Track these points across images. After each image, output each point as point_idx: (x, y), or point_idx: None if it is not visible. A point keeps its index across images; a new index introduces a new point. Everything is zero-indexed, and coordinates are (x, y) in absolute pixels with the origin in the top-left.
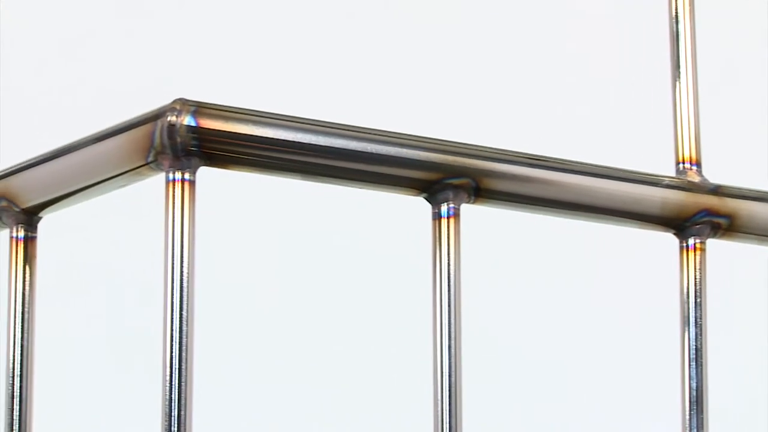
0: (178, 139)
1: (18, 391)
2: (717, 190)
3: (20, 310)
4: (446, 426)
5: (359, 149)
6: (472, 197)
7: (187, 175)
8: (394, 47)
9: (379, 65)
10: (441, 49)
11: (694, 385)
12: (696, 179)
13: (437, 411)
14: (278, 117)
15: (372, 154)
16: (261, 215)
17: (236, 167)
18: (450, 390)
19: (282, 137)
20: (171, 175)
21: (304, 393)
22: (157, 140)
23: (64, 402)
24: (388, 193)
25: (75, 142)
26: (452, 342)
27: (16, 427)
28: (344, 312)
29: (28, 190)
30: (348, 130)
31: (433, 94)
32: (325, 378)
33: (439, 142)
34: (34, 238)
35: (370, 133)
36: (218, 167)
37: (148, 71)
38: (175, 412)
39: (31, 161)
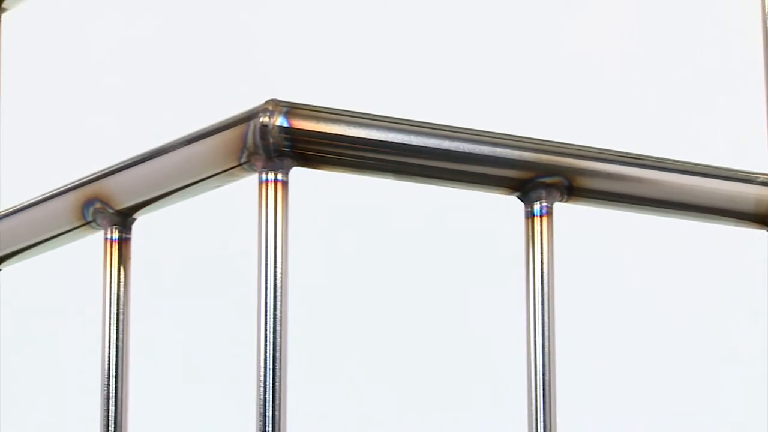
0: (271, 140)
1: (113, 391)
2: None
3: (115, 311)
4: (540, 424)
5: (452, 149)
6: (565, 196)
7: (279, 176)
8: (484, 46)
9: (469, 64)
10: (532, 48)
11: None
12: None
13: (531, 409)
14: (371, 117)
15: (465, 153)
16: (352, 215)
17: (329, 167)
18: (543, 388)
19: (375, 137)
20: (264, 176)
21: (398, 392)
22: (250, 141)
23: (155, 403)
24: (482, 193)
25: (168, 143)
26: (546, 340)
27: (111, 427)
28: (437, 311)
29: (122, 191)
30: (441, 129)
31: (523, 92)
32: (421, 377)
33: (532, 140)
34: (128, 240)
35: (463, 133)
36: (311, 168)
37: (241, 71)
38: (269, 413)
39: (125, 163)
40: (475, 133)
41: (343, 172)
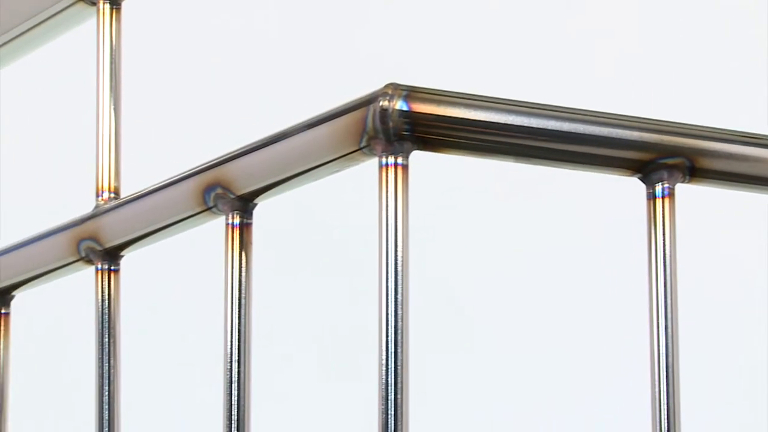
0: (391, 124)
1: (236, 376)
2: None
3: (237, 296)
4: (663, 407)
5: (573, 130)
6: (687, 177)
7: (400, 160)
8: (599, 29)
9: (588, 47)
10: (645, 30)
11: None
12: None
13: (654, 392)
14: (491, 100)
15: (586, 135)
16: (471, 199)
17: (449, 151)
18: (667, 371)
19: (495, 120)
20: (384, 160)
21: (513, 379)
22: (370, 125)
23: (277, 386)
24: (602, 174)
25: (289, 128)
26: (669, 321)
27: (234, 411)
28: (556, 292)
29: (243, 176)
30: (561, 111)
31: (641, 73)
32: (535, 361)
33: (653, 122)
34: (249, 225)
35: (583, 115)
36: (431, 151)
37: (360, 56)
38: (391, 396)
39: (246, 148)
40: (596, 114)
41: (462, 155)
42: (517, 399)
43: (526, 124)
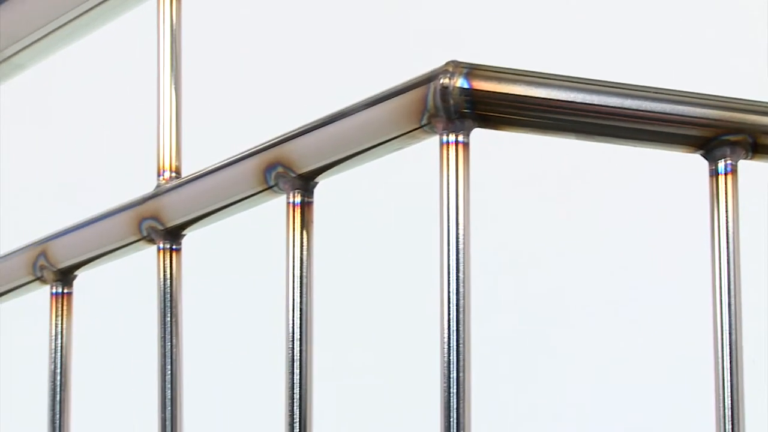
0: (452, 102)
1: (298, 355)
2: None
3: (298, 275)
4: (727, 386)
5: (635, 107)
6: (750, 153)
7: (461, 137)
8: (657, 6)
9: (647, 24)
10: (705, 6)
11: None
12: None
13: (718, 370)
14: (552, 77)
15: (648, 112)
16: (531, 178)
17: (510, 128)
18: (730, 348)
19: (556, 97)
20: (445, 138)
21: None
22: (431, 103)
23: (338, 365)
24: (665, 151)
25: (349, 107)
26: (732, 298)
27: (297, 389)
28: (620, 271)
29: (303, 155)
30: (623, 88)
31: (701, 49)
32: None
33: (716, 98)
34: (310, 203)
35: (645, 91)
36: (492, 129)
37: (419, 33)
38: (453, 374)
39: (307, 127)
40: (658, 91)
41: (524, 132)
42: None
43: (587, 101)
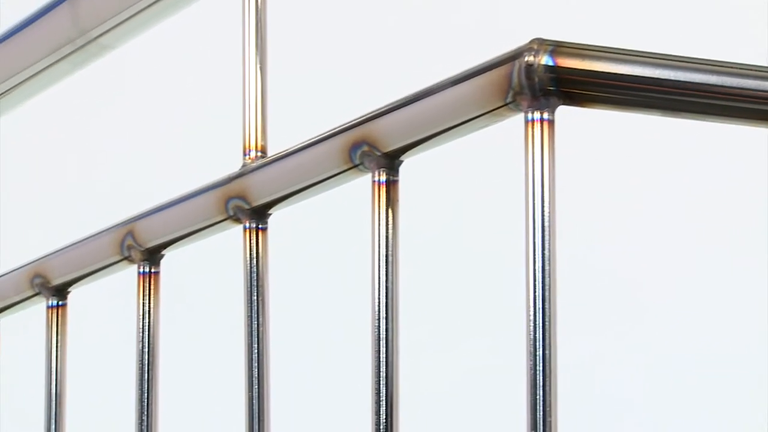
0: (537, 79)
1: (384, 333)
2: None
3: (384, 254)
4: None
5: (720, 83)
6: None
7: (546, 115)
8: None
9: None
10: None
11: None
12: None
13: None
14: (637, 54)
15: (733, 88)
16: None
17: (595, 105)
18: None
19: (642, 74)
20: (530, 115)
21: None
22: (516, 81)
23: (424, 342)
24: (750, 127)
25: (434, 85)
26: None
27: (383, 367)
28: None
29: (388, 134)
30: (708, 64)
31: None
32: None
33: None
34: (396, 182)
35: (730, 68)
36: (577, 106)
37: (504, 11)
38: (540, 352)
39: (392, 106)
40: (743, 67)
41: (609, 109)
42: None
43: (673, 78)
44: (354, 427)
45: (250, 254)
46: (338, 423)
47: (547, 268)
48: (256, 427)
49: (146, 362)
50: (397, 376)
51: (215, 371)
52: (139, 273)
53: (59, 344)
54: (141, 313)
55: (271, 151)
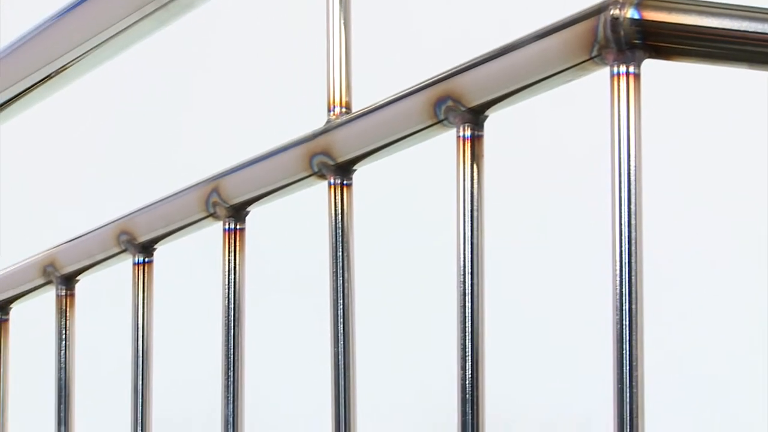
0: (622, 33)
1: (470, 288)
2: None
3: (469, 209)
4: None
5: None
6: None
7: (631, 68)
8: None
9: None
10: None
11: None
12: None
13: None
14: (723, 6)
15: None
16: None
17: (681, 58)
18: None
19: (728, 27)
20: (615, 69)
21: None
22: (601, 34)
23: (507, 295)
24: None
25: (519, 39)
26: None
27: (468, 324)
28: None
29: (473, 89)
30: None
31: None
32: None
33: None
34: (480, 137)
35: None
36: (663, 59)
37: None
38: (626, 306)
39: (477, 60)
40: None
41: (695, 62)
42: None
43: (759, 31)
44: (438, 381)
45: (335, 210)
46: (422, 377)
47: (633, 222)
48: (342, 380)
49: (232, 318)
50: (482, 331)
51: (298, 327)
52: (224, 229)
53: (146, 300)
54: (226, 269)
55: (356, 108)
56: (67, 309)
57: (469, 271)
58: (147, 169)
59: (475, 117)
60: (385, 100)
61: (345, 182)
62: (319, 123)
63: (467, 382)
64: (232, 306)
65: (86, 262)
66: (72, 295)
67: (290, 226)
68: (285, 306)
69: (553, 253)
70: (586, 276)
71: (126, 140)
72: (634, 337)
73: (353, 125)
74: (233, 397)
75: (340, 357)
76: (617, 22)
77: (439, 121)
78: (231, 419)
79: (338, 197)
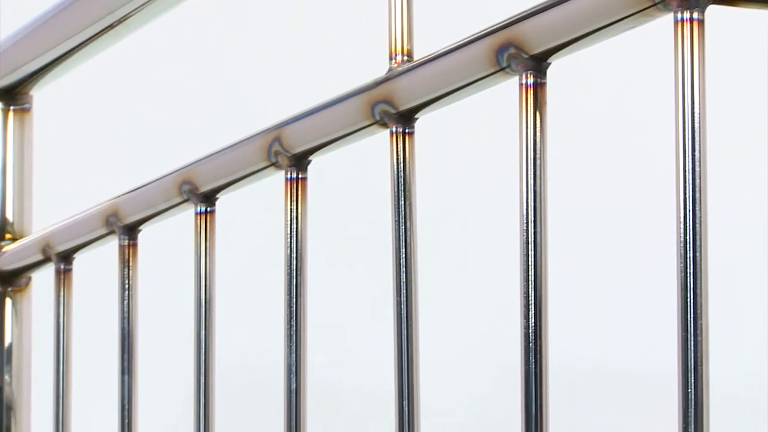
0: None
1: (532, 236)
2: None
3: (531, 156)
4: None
5: None
6: None
7: (695, 15)
8: None
9: None
10: None
11: None
12: None
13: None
14: None
15: None
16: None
17: (747, 4)
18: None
19: None
20: (679, 15)
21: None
22: None
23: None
24: None
25: None
26: None
27: (531, 271)
28: None
29: (536, 36)
30: None
31: None
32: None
33: None
34: (543, 84)
35: None
36: (728, 5)
37: None
38: (690, 257)
39: (540, 6)
40: None
41: (760, 8)
42: None
43: None
44: (500, 330)
45: (397, 159)
46: (482, 325)
47: (697, 169)
48: (404, 329)
49: (294, 267)
50: (545, 279)
51: (360, 278)
52: (286, 179)
53: (207, 250)
54: (288, 218)
55: (417, 56)
56: (130, 259)
57: (532, 219)
58: (207, 119)
59: (538, 64)
60: (447, 48)
61: (407, 131)
62: (381, 71)
63: (530, 331)
64: (294, 255)
65: (148, 212)
66: (134, 245)
67: (352, 179)
68: (346, 257)
69: (616, 200)
70: (649, 223)
71: (186, 90)
72: (698, 284)
73: (415, 73)
74: (296, 346)
75: (403, 306)
76: None
77: (502, 69)
78: (293, 368)
79: (400, 146)
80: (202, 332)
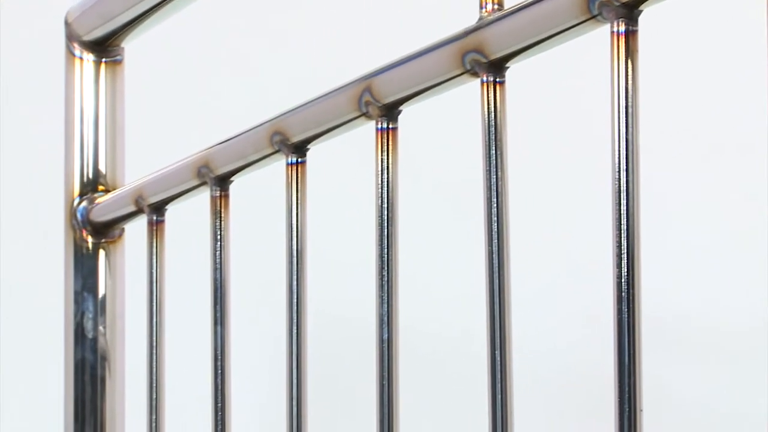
0: None
1: (625, 186)
2: None
3: (624, 105)
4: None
5: None
6: None
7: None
8: None
9: None
10: None
11: None
12: None
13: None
14: None
15: None
16: None
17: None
18: None
19: None
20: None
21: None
22: None
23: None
24: None
25: None
26: None
27: (624, 220)
28: None
29: None
30: None
31: None
32: None
33: None
34: (635, 32)
35: None
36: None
37: None
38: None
39: None
40: None
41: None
42: None
43: None
44: (593, 278)
45: (488, 108)
46: (577, 270)
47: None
48: (497, 278)
49: (386, 217)
50: (638, 229)
51: (451, 227)
52: (377, 129)
53: (299, 201)
54: (380, 168)
55: (508, 4)
56: (222, 210)
57: (624, 168)
58: (298, 71)
59: (630, 12)
60: None
61: (498, 80)
62: (472, 20)
63: (623, 280)
64: (386, 206)
65: (240, 163)
66: (226, 196)
67: (439, 129)
68: (437, 207)
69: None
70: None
71: (276, 39)
72: None
73: (506, 22)
74: (388, 296)
75: (495, 256)
76: None
77: (593, 17)
78: (386, 318)
79: (491, 95)
80: (294, 282)
